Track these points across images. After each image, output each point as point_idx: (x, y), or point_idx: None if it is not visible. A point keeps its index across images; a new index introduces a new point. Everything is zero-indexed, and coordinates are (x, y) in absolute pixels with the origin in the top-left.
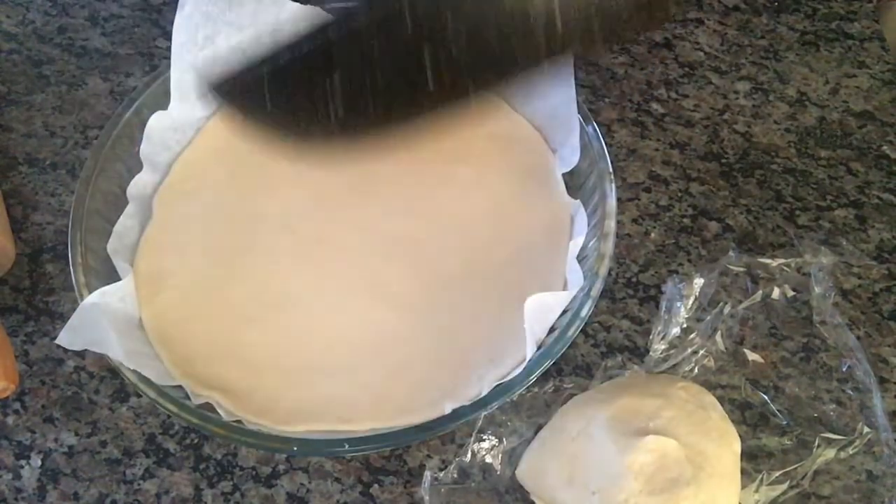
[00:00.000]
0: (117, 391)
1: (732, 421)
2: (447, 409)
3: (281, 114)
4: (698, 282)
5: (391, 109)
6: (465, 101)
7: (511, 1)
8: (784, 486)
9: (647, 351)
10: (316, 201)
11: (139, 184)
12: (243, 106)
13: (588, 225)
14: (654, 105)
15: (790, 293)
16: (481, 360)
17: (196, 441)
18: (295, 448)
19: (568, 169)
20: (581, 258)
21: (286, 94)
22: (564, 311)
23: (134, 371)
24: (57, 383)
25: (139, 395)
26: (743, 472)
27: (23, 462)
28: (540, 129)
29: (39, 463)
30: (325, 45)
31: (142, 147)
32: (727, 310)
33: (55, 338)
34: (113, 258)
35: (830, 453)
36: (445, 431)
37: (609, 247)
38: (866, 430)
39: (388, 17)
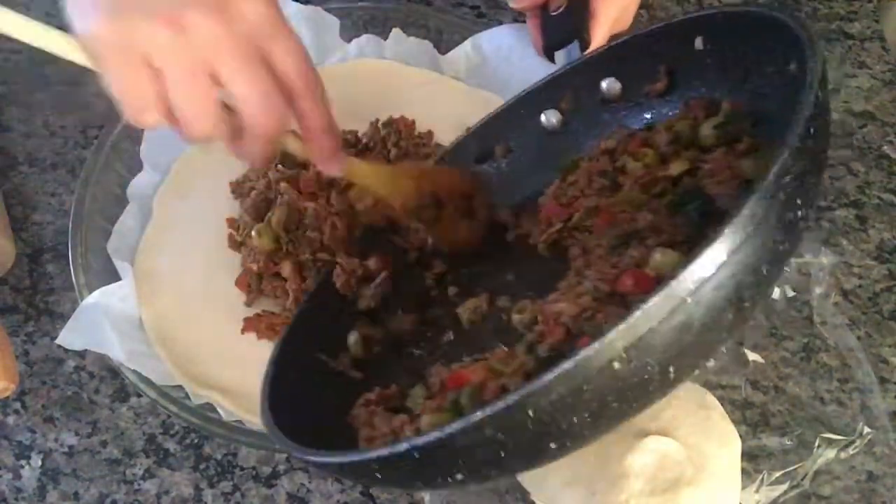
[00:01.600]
0: (117, 391)
1: (733, 421)
2: None
3: None
4: None
5: None
6: None
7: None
8: (784, 487)
9: None
10: None
11: (139, 184)
12: None
13: None
14: None
15: (790, 293)
16: None
17: (196, 441)
18: None
19: None
20: None
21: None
22: None
23: (134, 371)
24: (57, 383)
25: (139, 395)
26: (743, 472)
27: (23, 462)
28: None
29: (39, 463)
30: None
31: (142, 147)
32: None
33: (55, 338)
34: (113, 258)
35: (831, 453)
36: None
37: None
38: (866, 430)
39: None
